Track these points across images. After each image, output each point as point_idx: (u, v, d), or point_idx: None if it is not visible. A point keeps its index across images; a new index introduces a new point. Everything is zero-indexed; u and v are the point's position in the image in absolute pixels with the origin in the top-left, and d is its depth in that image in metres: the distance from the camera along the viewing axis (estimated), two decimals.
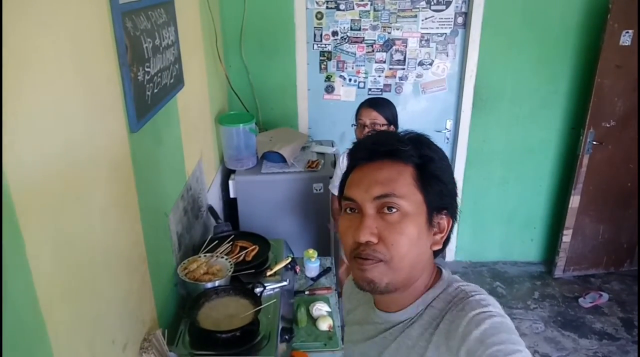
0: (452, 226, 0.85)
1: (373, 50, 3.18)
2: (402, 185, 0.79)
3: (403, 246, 0.78)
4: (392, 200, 0.78)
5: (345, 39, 3.15)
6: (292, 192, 2.70)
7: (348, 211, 0.83)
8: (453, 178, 0.85)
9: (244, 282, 1.85)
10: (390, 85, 3.26)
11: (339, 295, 1.96)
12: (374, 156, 0.83)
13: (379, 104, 2.07)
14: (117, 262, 1.29)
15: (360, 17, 3.10)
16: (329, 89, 3.27)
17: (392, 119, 2.05)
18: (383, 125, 2.01)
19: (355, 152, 0.87)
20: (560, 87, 3.18)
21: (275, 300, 1.72)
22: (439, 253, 0.86)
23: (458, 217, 0.86)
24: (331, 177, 2.68)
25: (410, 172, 0.81)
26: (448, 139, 3.39)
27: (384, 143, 0.83)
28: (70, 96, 1.05)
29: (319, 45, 3.17)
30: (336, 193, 2.24)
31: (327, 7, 3.07)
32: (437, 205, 0.81)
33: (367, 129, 2.03)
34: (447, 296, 0.83)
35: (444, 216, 0.83)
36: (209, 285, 1.72)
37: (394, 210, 0.79)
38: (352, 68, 3.22)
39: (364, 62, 3.21)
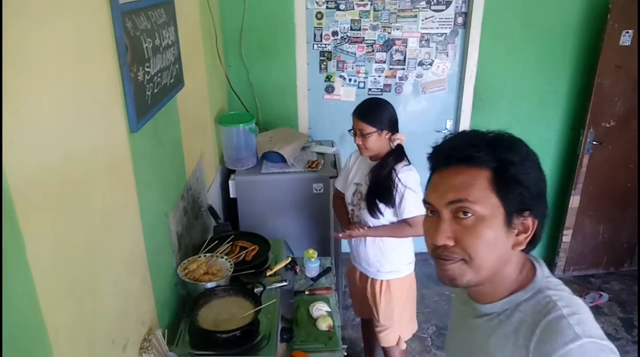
0: (540, 226, 0.85)
1: (373, 50, 3.18)
2: (477, 189, 0.81)
3: (479, 249, 0.81)
4: (466, 205, 0.81)
5: (345, 39, 3.15)
6: (292, 192, 2.70)
7: (429, 213, 0.88)
8: (539, 179, 0.85)
9: (244, 282, 1.85)
10: (390, 85, 3.26)
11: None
12: (450, 161, 0.85)
13: (365, 114, 2.00)
14: (117, 262, 1.29)
15: (360, 17, 3.10)
16: (329, 89, 3.27)
17: (383, 125, 1.99)
18: (371, 133, 1.97)
19: (434, 157, 0.89)
20: (560, 87, 3.18)
21: (275, 300, 1.72)
22: (531, 249, 0.87)
23: (547, 215, 0.86)
24: (332, 177, 2.69)
25: (486, 176, 0.82)
26: None
27: (459, 149, 0.84)
28: (70, 96, 1.05)
29: (319, 45, 3.17)
30: (339, 188, 2.31)
31: (327, 7, 3.07)
32: (517, 207, 0.82)
33: (357, 137, 2.02)
34: (536, 304, 0.84)
35: (527, 217, 0.83)
36: (209, 285, 1.72)
37: (468, 214, 0.81)
38: (352, 68, 3.22)
39: (364, 62, 3.21)
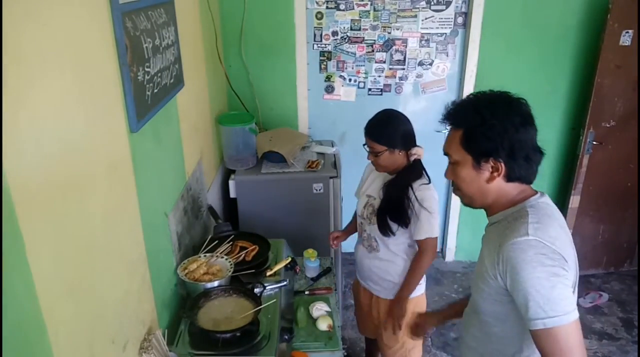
0: (513, 166, 1.16)
1: (373, 50, 3.18)
2: (453, 145, 1.21)
3: (460, 182, 1.23)
4: (449, 154, 1.23)
5: (345, 39, 3.15)
6: (292, 192, 2.70)
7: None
8: (505, 131, 1.13)
9: (244, 282, 1.85)
10: (390, 85, 3.26)
11: None
12: (451, 123, 1.24)
13: (374, 132, 1.88)
14: (117, 262, 1.29)
15: (360, 17, 3.10)
16: (329, 89, 3.27)
17: (395, 143, 1.86)
18: (381, 151, 1.86)
19: (447, 117, 1.26)
20: (560, 87, 3.18)
21: (275, 300, 1.72)
22: (521, 182, 1.19)
23: (527, 157, 1.16)
24: (332, 177, 2.69)
25: (459, 135, 1.19)
26: None
27: (453, 115, 1.22)
28: (70, 96, 1.05)
29: (319, 45, 3.17)
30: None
31: (327, 7, 3.07)
32: (480, 155, 1.16)
33: (370, 155, 1.93)
34: (517, 215, 1.17)
35: (494, 161, 1.16)
36: (209, 285, 1.72)
37: (451, 160, 1.23)
38: (352, 68, 3.22)
39: (364, 62, 3.21)
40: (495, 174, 1.17)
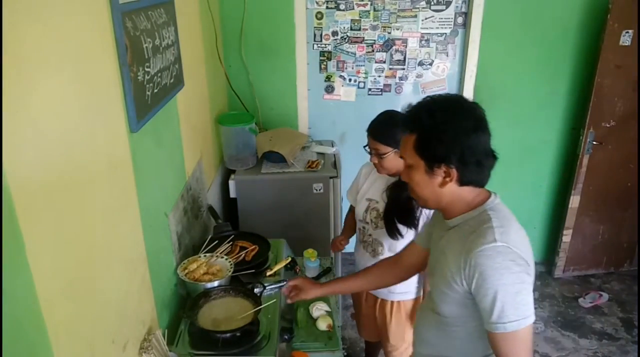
0: (465, 172, 1.17)
1: (373, 50, 3.18)
2: (408, 149, 1.21)
3: (413, 185, 1.25)
4: (404, 158, 1.24)
5: (345, 39, 3.15)
6: (292, 192, 2.70)
7: None
8: (456, 137, 1.14)
9: (244, 282, 1.85)
10: (390, 85, 3.26)
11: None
12: (407, 128, 1.24)
13: (379, 132, 1.83)
14: (117, 262, 1.29)
15: (360, 17, 3.10)
16: (329, 89, 3.27)
17: (399, 143, 1.84)
18: (387, 153, 1.81)
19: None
20: (560, 87, 3.18)
21: (275, 300, 1.72)
22: (475, 186, 1.22)
23: (479, 163, 1.17)
24: (331, 177, 2.68)
25: (413, 139, 1.20)
26: None
27: (409, 121, 1.23)
28: (70, 96, 1.05)
29: (319, 45, 3.17)
30: (349, 201, 2.16)
31: (327, 7, 3.07)
32: (432, 161, 1.17)
33: (373, 156, 1.86)
34: (479, 219, 1.20)
35: (445, 167, 1.16)
36: (209, 285, 1.72)
37: (406, 163, 1.24)
38: (352, 68, 3.22)
39: (364, 62, 3.21)
40: (448, 179, 1.18)
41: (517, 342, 1.12)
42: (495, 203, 1.23)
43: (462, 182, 1.19)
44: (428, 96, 1.22)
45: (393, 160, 1.82)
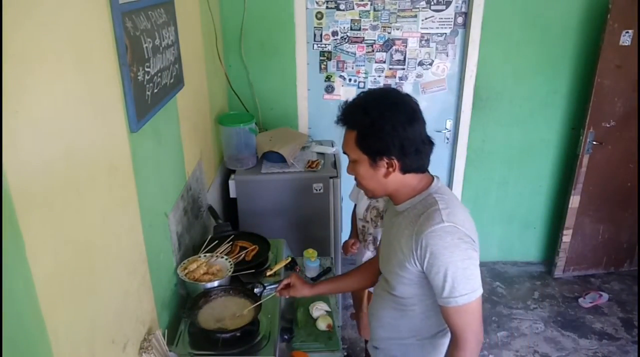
0: (406, 161, 1.25)
1: (373, 50, 3.18)
2: (350, 144, 1.28)
3: (360, 178, 1.32)
4: (347, 153, 1.31)
5: (345, 39, 3.15)
6: (292, 192, 2.70)
7: None
8: (394, 130, 1.21)
9: (244, 282, 1.85)
10: (390, 85, 3.26)
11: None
12: (345, 125, 1.32)
13: None
14: (117, 262, 1.29)
15: (360, 17, 3.10)
16: (329, 89, 3.27)
17: None
18: None
19: (340, 119, 1.34)
20: (560, 87, 3.18)
21: (274, 299, 1.72)
22: (417, 172, 1.30)
23: (419, 151, 1.26)
24: (331, 177, 2.68)
25: (354, 136, 1.27)
26: (448, 139, 3.39)
27: (346, 117, 1.30)
28: (70, 96, 1.05)
29: (319, 45, 3.17)
30: (351, 199, 2.24)
31: (327, 7, 3.07)
32: (375, 154, 1.25)
33: None
34: (425, 202, 1.27)
35: (388, 159, 1.24)
36: (209, 285, 1.72)
37: (350, 158, 1.31)
38: (352, 68, 3.22)
39: (364, 62, 3.21)
40: (391, 169, 1.26)
41: (468, 314, 1.21)
42: (439, 186, 1.32)
43: (404, 170, 1.27)
44: (362, 92, 1.30)
45: None
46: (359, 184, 1.36)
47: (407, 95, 1.28)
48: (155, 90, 1.56)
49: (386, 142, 1.22)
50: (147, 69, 1.47)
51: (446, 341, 1.36)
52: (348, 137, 1.29)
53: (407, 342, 1.43)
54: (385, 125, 1.21)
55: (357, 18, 3.10)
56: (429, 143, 1.29)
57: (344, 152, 1.33)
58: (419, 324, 1.40)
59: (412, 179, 1.30)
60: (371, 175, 1.29)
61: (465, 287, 1.19)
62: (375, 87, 3.25)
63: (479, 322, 1.24)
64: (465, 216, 1.27)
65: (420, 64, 3.21)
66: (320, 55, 3.19)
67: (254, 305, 1.63)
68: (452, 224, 1.20)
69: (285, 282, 1.70)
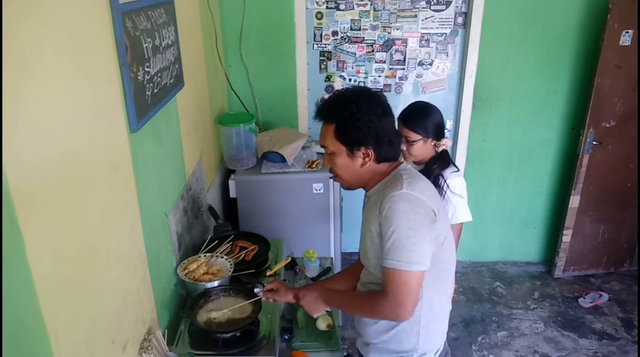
0: (380, 151, 1.36)
1: (373, 50, 3.18)
2: (329, 137, 1.38)
3: (338, 170, 1.41)
4: (326, 146, 1.40)
5: (345, 39, 3.15)
6: (292, 192, 2.70)
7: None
8: (370, 122, 1.32)
9: (244, 282, 1.85)
10: (390, 85, 3.26)
11: None
12: (322, 119, 1.40)
13: (411, 120, 1.91)
14: (117, 262, 1.29)
15: (360, 17, 3.10)
16: (329, 89, 3.27)
17: (429, 133, 1.90)
18: (416, 141, 1.89)
19: (318, 114, 1.42)
20: (560, 87, 3.18)
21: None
22: (390, 161, 1.40)
23: (392, 141, 1.38)
24: (331, 177, 2.68)
25: (332, 129, 1.36)
26: (448, 139, 3.39)
27: (324, 112, 1.39)
28: (70, 96, 1.05)
29: (319, 45, 3.17)
30: None
31: (327, 7, 3.07)
32: (352, 145, 1.35)
33: (405, 144, 1.92)
34: (393, 179, 1.36)
35: (364, 149, 1.35)
36: (209, 285, 1.72)
37: (329, 151, 1.40)
38: (352, 68, 3.22)
39: (364, 62, 3.21)
40: (367, 159, 1.36)
41: (399, 282, 1.28)
42: (407, 166, 1.42)
43: (379, 160, 1.38)
44: (336, 90, 1.42)
45: (422, 148, 1.93)
46: (335, 176, 1.44)
47: (378, 92, 1.40)
48: (155, 90, 1.56)
49: (364, 132, 1.32)
50: (147, 69, 1.47)
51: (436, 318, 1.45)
52: (326, 131, 1.38)
53: (398, 327, 1.43)
54: (363, 116, 1.32)
55: (357, 18, 3.10)
56: (400, 136, 1.43)
57: (322, 146, 1.41)
58: None
59: (384, 167, 1.40)
60: (348, 166, 1.38)
61: (401, 255, 1.26)
62: (375, 87, 3.25)
63: (406, 294, 1.28)
64: (428, 188, 1.36)
65: (420, 64, 3.21)
66: (320, 55, 3.19)
67: (249, 301, 1.63)
68: (409, 192, 1.28)
69: (268, 287, 1.66)
